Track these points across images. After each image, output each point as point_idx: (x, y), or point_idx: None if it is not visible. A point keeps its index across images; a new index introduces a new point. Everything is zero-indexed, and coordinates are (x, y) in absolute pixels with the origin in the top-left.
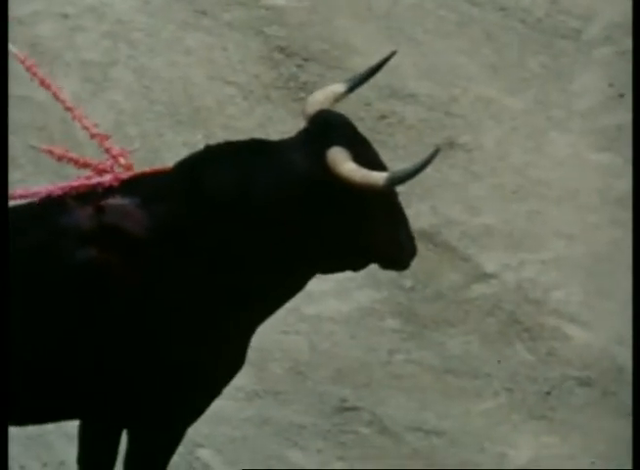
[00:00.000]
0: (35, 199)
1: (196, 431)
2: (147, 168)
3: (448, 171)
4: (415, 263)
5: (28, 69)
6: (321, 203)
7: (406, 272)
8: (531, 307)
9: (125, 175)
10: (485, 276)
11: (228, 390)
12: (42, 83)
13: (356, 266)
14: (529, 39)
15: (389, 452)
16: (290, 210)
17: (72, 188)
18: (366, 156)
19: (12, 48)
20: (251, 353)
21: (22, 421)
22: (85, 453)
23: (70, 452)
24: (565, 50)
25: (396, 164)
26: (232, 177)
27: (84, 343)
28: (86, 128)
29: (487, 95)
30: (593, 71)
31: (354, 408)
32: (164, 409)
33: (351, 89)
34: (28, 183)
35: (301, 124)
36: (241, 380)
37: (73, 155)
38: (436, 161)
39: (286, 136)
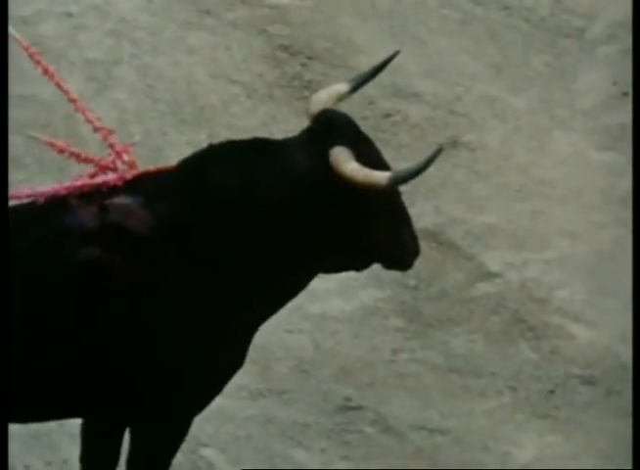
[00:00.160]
0: (41, 198)
1: (200, 430)
2: (150, 167)
3: (452, 170)
4: (419, 262)
5: (31, 56)
6: (324, 202)
7: (410, 271)
8: (535, 306)
9: (129, 175)
10: (489, 275)
11: (232, 389)
12: (45, 73)
13: (359, 266)
14: (533, 38)
15: (393, 451)
16: (293, 208)
17: (77, 188)
18: (369, 155)
19: (15, 33)
20: (255, 352)
21: (24, 419)
22: (88, 452)
23: (74, 451)
24: (568, 49)
25: (400, 163)
26: (235, 176)
27: (86, 341)
28: (90, 121)
29: (491, 94)
30: (597, 70)
31: (358, 407)
32: (166, 408)
33: (355, 89)
34: (33, 182)
35: (305, 123)
36: (244, 379)
37: (75, 149)
38: (440, 160)
39: (289, 135)
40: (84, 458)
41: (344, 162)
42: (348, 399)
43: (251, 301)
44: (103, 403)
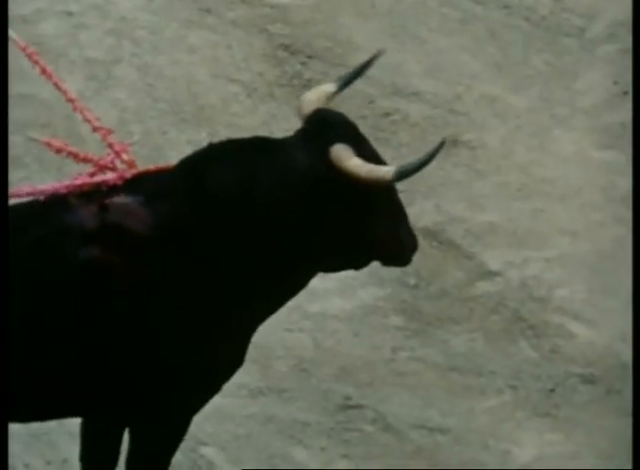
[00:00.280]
0: (41, 197)
1: (200, 429)
2: (150, 166)
3: (452, 169)
4: (419, 261)
5: (29, 56)
6: (324, 200)
7: (410, 270)
8: (535, 305)
9: (129, 174)
10: (489, 274)
11: (232, 387)
12: (43, 72)
13: (358, 264)
14: (533, 37)
15: (393, 450)
16: (293, 207)
17: (77, 186)
18: (367, 153)
19: (12, 34)
20: (255, 351)
21: (24, 419)
22: (88, 451)
23: (73, 450)
24: (569, 48)
25: (400, 161)
26: (235, 175)
27: (86, 341)
28: (88, 121)
29: (491, 93)
30: (597, 69)
31: (358, 406)
32: (166, 407)
33: (341, 88)
34: (33, 181)
35: None
36: (245, 377)
37: (73, 149)
38: (440, 158)
39: (290, 134)
40: (84, 458)
41: (347, 158)
42: (348, 397)
43: (251, 300)
44: (102, 403)
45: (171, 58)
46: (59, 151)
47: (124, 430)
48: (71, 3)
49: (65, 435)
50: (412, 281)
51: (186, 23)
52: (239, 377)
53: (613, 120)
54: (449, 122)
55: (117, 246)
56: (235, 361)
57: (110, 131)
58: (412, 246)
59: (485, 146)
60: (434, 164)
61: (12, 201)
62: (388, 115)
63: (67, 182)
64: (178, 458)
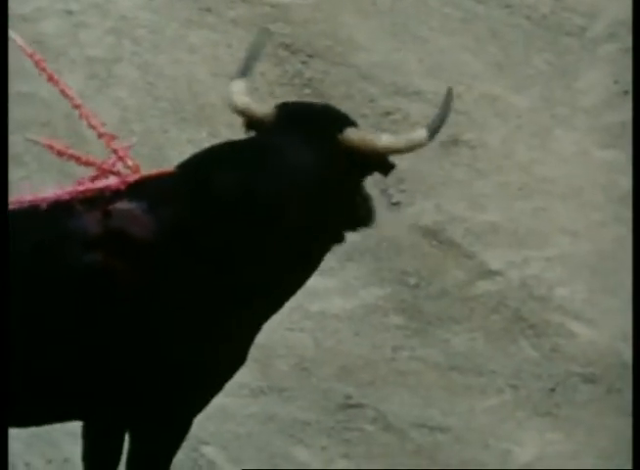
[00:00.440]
0: (44, 204)
1: (200, 428)
2: (152, 168)
3: (453, 169)
4: (419, 260)
5: (37, 64)
6: (327, 194)
7: (410, 269)
8: (536, 304)
9: (131, 179)
10: (490, 273)
11: (233, 387)
12: (50, 79)
13: (340, 241)
14: (534, 36)
15: (394, 449)
16: (297, 206)
17: (80, 192)
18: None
19: (19, 40)
20: (256, 350)
21: (25, 423)
22: (90, 451)
23: (75, 450)
24: (570, 47)
25: (401, 161)
26: (237, 178)
27: (88, 343)
28: (93, 127)
29: (492, 92)
30: (598, 69)
31: (359, 405)
32: (167, 408)
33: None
34: (33, 181)
35: None
36: (245, 377)
37: (75, 152)
38: (441, 158)
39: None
40: (86, 458)
41: (374, 138)
42: (349, 396)
43: (251, 300)
44: (103, 404)
45: (172, 57)
46: (60, 153)
47: (126, 430)
48: (72, 2)
49: (65, 434)
50: (413, 280)
51: (186, 22)
52: (240, 376)
53: (613, 120)
54: (450, 122)
55: (121, 252)
56: (236, 361)
57: (114, 137)
58: (374, 210)
59: (486, 145)
60: (434, 163)
61: (14, 208)
62: (388, 114)
63: (69, 188)
64: (179, 457)
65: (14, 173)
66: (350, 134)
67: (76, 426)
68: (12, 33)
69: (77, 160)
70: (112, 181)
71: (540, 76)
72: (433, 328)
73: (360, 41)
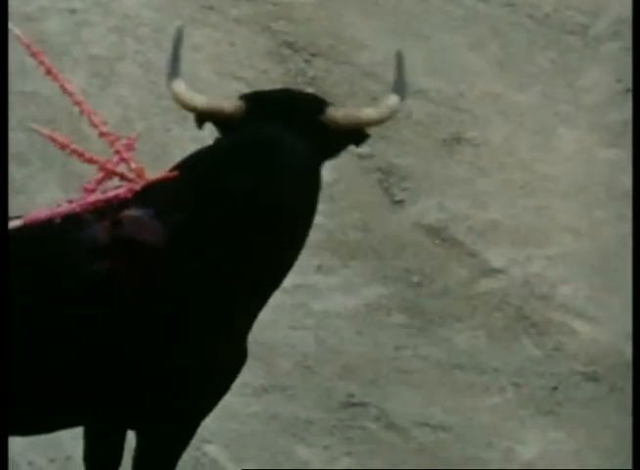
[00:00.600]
0: (58, 219)
1: (203, 426)
2: (155, 166)
3: (455, 167)
4: (422, 259)
5: (34, 56)
6: (319, 181)
7: (413, 268)
8: (538, 303)
9: (138, 186)
10: (492, 271)
11: (235, 385)
12: (49, 73)
13: None
14: (537, 35)
15: (396, 448)
16: (298, 201)
17: (90, 204)
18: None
19: (15, 30)
20: (259, 349)
21: (30, 430)
22: (91, 452)
23: (77, 448)
24: (572, 45)
25: (404, 159)
26: (242, 179)
27: (95, 349)
28: (95, 125)
29: (495, 90)
30: (600, 67)
31: (361, 404)
32: (175, 411)
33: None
34: (36, 179)
35: None
36: (248, 375)
37: (77, 147)
38: (444, 156)
39: None
40: (88, 458)
41: (356, 112)
42: (352, 395)
43: (251, 299)
44: (110, 408)
45: None
46: (63, 146)
47: (127, 430)
48: (75, 0)
49: (69, 433)
50: (415, 279)
51: (189, 21)
52: (242, 375)
53: (616, 118)
54: (452, 120)
55: (132, 259)
56: (238, 361)
57: (117, 138)
58: None
59: (489, 143)
60: (437, 161)
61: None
62: None
63: (80, 201)
64: (181, 456)
65: (17, 172)
66: (334, 113)
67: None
68: (11, 26)
69: (80, 156)
70: (120, 191)
71: (543, 75)
72: (435, 326)
73: (363, 40)
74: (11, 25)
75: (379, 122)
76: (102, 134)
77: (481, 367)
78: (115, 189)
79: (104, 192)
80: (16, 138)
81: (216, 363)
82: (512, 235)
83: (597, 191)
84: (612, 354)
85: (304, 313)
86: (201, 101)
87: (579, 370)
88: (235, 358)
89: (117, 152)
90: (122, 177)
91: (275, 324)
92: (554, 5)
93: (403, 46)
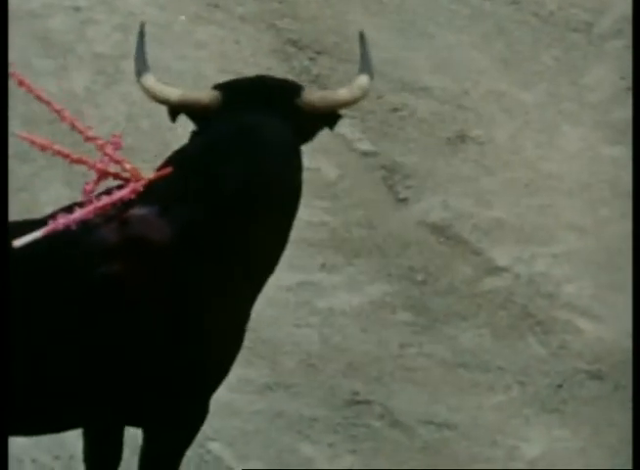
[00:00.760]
0: (73, 225)
1: (207, 424)
2: (151, 173)
3: (460, 165)
4: (427, 257)
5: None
6: (301, 166)
7: (418, 266)
8: (543, 301)
9: (140, 186)
10: (497, 270)
11: (239, 383)
12: (21, 84)
13: None
14: (542, 33)
15: (401, 446)
16: (286, 186)
17: (100, 208)
18: None
19: None
20: (263, 347)
21: (33, 431)
22: (91, 452)
23: (81, 446)
24: (577, 43)
25: (408, 157)
26: (228, 169)
27: (103, 348)
28: (80, 132)
29: (499, 89)
30: (605, 65)
31: (366, 402)
32: (178, 410)
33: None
34: (41, 177)
35: None
36: (252, 373)
37: (60, 148)
38: (448, 154)
39: None
40: (88, 458)
41: (332, 94)
42: (356, 393)
43: (249, 287)
44: (111, 409)
45: (179, 53)
46: (43, 148)
47: (124, 430)
48: None
49: (72, 431)
50: (420, 277)
51: (194, 19)
52: (247, 372)
53: (620, 116)
54: (457, 118)
55: (140, 257)
56: (236, 348)
57: (105, 142)
58: None
59: (493, 142)
60: (441, 159)
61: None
62: (396, 110)
63: (90, 207)
64: (186, 453)
65: (22, 170)
66: (309, 96)
67: None
68: None
69: (66, 157)
70: (124, 193)
71: (547, 72)
72: (440, 324)
73: (368, 38)
74: None
75: (353, 103)
76: (88, 139)
77: (486, 365)
78: (119, 190)
79: (108, 193)
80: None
81: (218, 362)
82: (516, 233)
83: (601, 189)
84: (616, 353)
85: (309, 311)
86: (175, 93)
87: (584, 368)
88: (234, 351)
89: (108, 155)
90: (117, 177)
91: (279, 322)
92: (558, 3)
93: (408, 44)
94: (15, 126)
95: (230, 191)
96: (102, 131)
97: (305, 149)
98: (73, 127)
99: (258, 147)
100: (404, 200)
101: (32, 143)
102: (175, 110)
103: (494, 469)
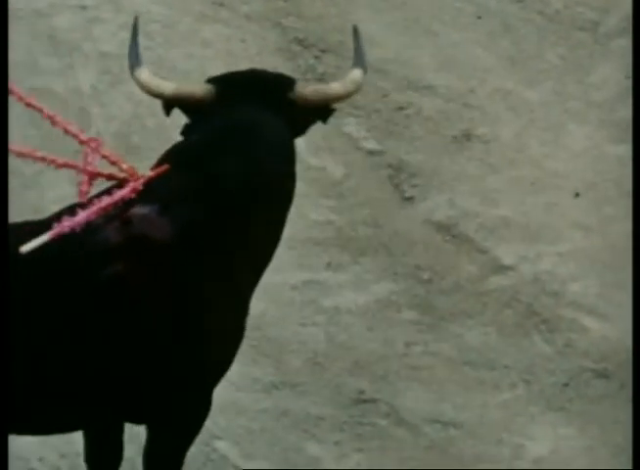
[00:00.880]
0: (77, 228)
1: (213, 422)
2: (148, 172)
3: (465, 163)
4: (432, 255)
5: None
6: (295, 160)
7: (423, 264)
8: (549, 299)
9: (139, 185)
10: (503, 268)
11: (245, 381)
12: (11, 93)
13: None
14: (547, 31)
15: (407, 444)
16: (283, 180)
17: (103, 209)
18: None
19: None
20: (269, 345)
21: (36, 431)
22: (91, 452)
23: None
24: (582, 42)
25: (414, 155)
26: (227, 164)
27: (107, 347)
28: (74, 135)
29: (505, 87)
30: (610, 63)
31: (372, 400)
32: (180, 409)
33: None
34: (46, 176)
35: None
36: (258, 372)
37: (44, 154)
38: (454, 153)
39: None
40: (88, 459)
41: (324, 88)
42: (362, 391)
43: (249, 280)
44: (114, 409)
45: (185, 51)
46: (20, 155)
47: (124, 429)
48: None
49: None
50: (426, 275)
51: (200, 17)
52: (252, 371)
53: (626, 115)
54: (463, 116)
55: (144, 257)
56: (237, 341)
57: (100, 143)
58: None
59: (499, 140)
60: (447, 158)
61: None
62: (401, 108)
63: (93, 208)
64: (191, 452)
65: (27, 168)
66: (302, 90)
67: None
68: None
69: (51, 162)
70: (124, 192)
71: (553, 71)
72: (445, 323)
73: (373, 36)
74: None
75: (346, 97)
76: (82, 142)
77: (492, 364)
78: (119, 190)
79: (108, 192)
80: (26, 134)
81: (218, 359)
82: (522, 232)
83: (607, 188)
84: (622, 351)
85: (315, 310)
86: (169, 87)
87: (590, 367)
88: (234, 348)
89: (105, 157)
90: (110, 177)
91: (285, 321)
92: (564, 1)
93: (413, 42)
94: (23, 124)
95: (230, 191)
96: (108, 130)
97: (311, 148)
98: (66, 132)
99: (258, 146)
100: (410, 198)
101: (19, 155)
102: (169, 103)
103: (500, 468)
